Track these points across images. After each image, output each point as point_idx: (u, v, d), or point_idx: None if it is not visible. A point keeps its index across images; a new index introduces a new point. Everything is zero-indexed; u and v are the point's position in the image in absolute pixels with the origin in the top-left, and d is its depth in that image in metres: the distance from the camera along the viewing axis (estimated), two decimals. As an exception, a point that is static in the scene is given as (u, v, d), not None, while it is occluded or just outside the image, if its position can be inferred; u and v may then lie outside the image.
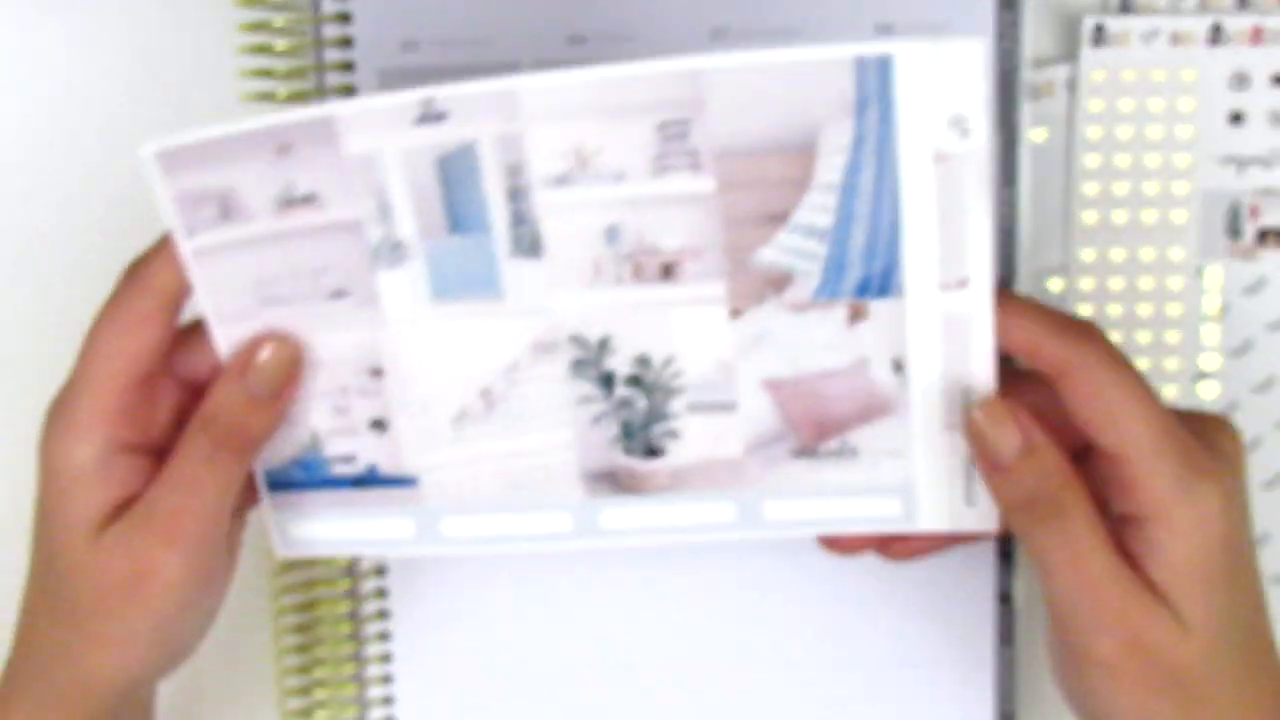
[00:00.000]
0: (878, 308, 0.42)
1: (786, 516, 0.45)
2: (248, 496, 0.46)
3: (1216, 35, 0.52)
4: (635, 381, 0.44)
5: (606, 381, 0.44)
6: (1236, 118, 0.52)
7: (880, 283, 0.42)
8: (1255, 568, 0.41)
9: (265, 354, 0.43)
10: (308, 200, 0.42)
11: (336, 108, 0.41)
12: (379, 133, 0.41)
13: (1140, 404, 0.40)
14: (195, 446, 0.43)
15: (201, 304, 0.43)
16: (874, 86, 0.40)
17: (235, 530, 0.47)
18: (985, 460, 0.41)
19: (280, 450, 0.45)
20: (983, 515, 0.44)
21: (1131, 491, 0.40)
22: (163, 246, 0.43)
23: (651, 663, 0.55)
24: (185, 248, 0.42)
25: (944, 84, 0.39)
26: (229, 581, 0.46)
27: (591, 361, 0.44)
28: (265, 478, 0.45)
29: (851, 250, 0.42)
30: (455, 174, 0.42)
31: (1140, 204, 0.53)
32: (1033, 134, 0.52)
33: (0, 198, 0.55)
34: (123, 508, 0.43)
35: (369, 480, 0.46)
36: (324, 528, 0.46)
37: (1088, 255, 0.53)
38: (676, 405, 0.44)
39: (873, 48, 0.39)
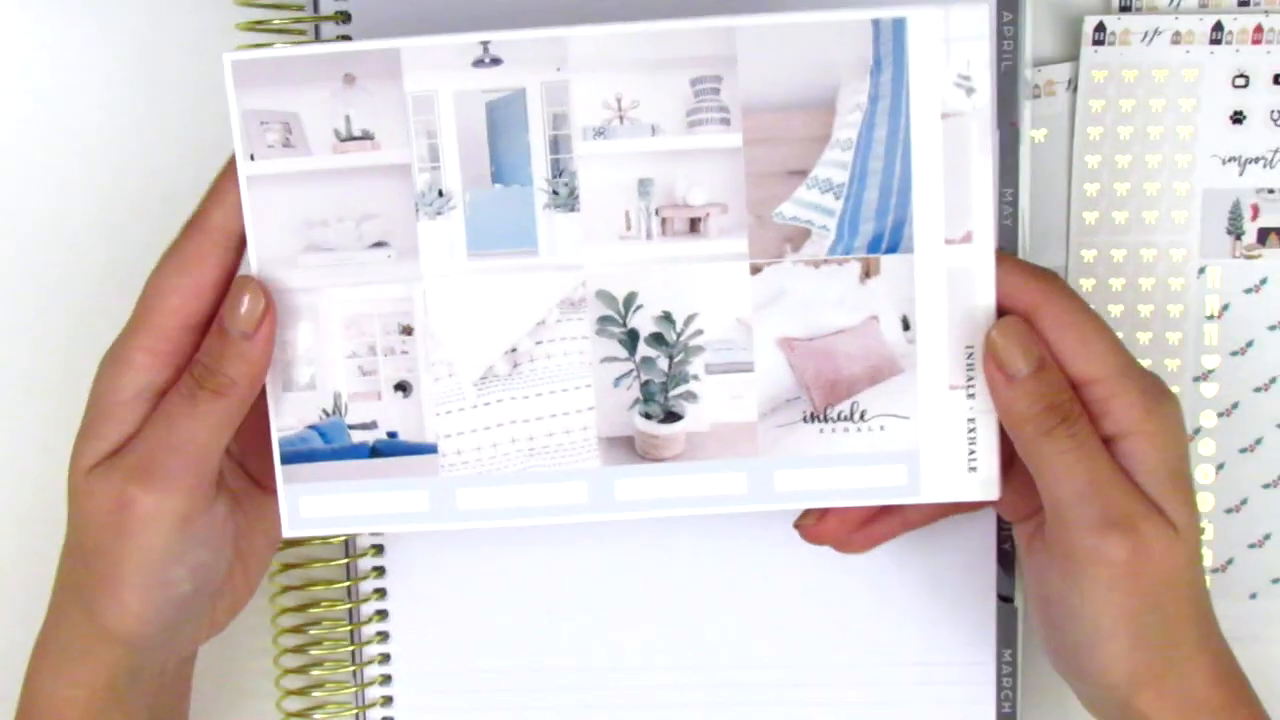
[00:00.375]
0: (888, 263, 0.45)
1: (797, 487, 0.46)
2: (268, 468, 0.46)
3: (1218, 35, 0.52)
4: (658, 340, 0.46)
5: (631, 340, 0.46)
6: (1238, 117, 0.52)
7: (891, 238, 0.44)
8: None
9: (244, 301, 0.44)
10: (365, 137, 0.44)
11: (404, 41, 0.44)
12: (438, 72, 0.44)
13: (1106, 335, 0.44)
14: (180, 385, 0.44)
15: (247, 240, 0.45)
16: (889, 48, 0.43)
17: (256, 505, 0.48)
18: (1001, 375, 0.44)
19: (301, 414, 0.46)
20: (984, 484, 0.46)
21: (1108, 411, 0.44)
22: (217, 189, 0.45)
23: (651, 663, 0.55)
24: (242, 172, 0.44)
25: (951, 45, 0.43)
26: (227, 539, 0.46)
27: (617, 318, 0.46)
28: (281, 448, 0.46)
29: (865, 206, 0.44)
30: (503, 120, 0.44)
31: (1141, 204, 0.53)
32: (1033, 134, 0.52)
33: (-1, 197, 0.55)
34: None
35: (388, 448, 0.47)
36: (336, 502, 0.47)
37: (1088, 255, 0.53)
38: (696, 366, 0.46)
39: (888, 11, 0.43)
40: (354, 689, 0.55)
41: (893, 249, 0.44)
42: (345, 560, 0.54)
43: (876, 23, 0.43)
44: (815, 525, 0.48)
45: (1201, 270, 0.53)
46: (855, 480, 0.46)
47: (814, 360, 0.46)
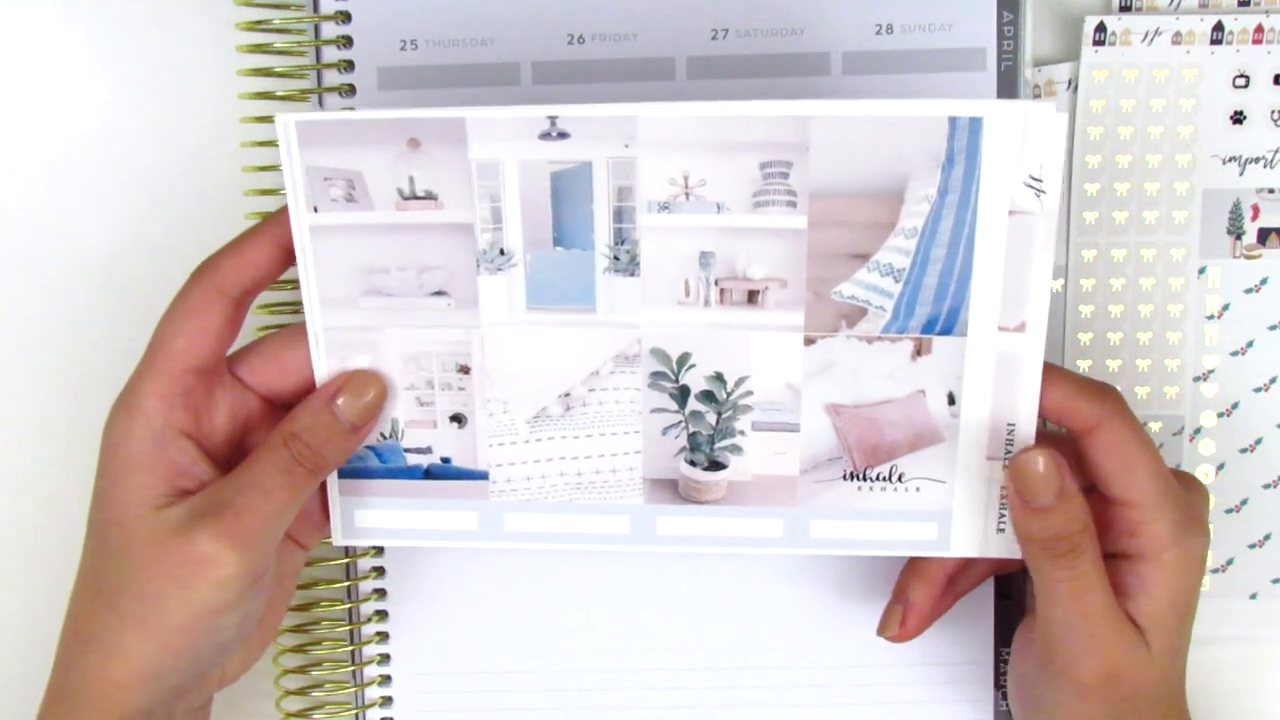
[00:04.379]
0: (940, 344, 0.45)
1: (831, 535, 0.48)
2: (311, 525, 0.49)
3: (1218, 35, 0.52)
4: (708, 397, 0.47)
5: (681, 395, 0.47)
6: (1238, 117, 0.52)
7: (946, 322, 0.45)
8: None
9: (369, 394, 0.46)
10: (428, 197, 0.44)
11: (471, 111, 0.43)
12: (504, 142, 0.44)
13: (1151, 459, 0.45)
14: (276, 455, 0.45)
15: (307, 284, 0.45)
16: (963, 144, 0.43)
17: (291, 560, 0.49)
18: (1023, 500, 0.44)
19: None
20: (1009, 542, 0.47)
21: (1136, 534, 0.45)
22: (231, 247, 0.46)
23: (649, 662, 0.55)
24: (305, 222, 0.45)
25: (1026, 146, 0.42)
26: (262, 606, 0.47)
27: (670, 375, 0.46)
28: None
29: (924, 291, 0.45)
30: (567, 190, 0.44)
31: (1141, 204, 0.53)
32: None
33: (-3, 197, 0.55)
34: (180, 496, 0.45)
35: (441, 472, 0.48)
36: (388, 517, 0.48)
37: (1088, 255, 0.53)
38: (743, 422, 0.47)
39: (965, 107, 0.42)
40: (353, 689, 0.55)
41: (946, 331, 0.45)
42: (345, 560, 0.54)
43: (954, 120, 0.42)
44: (899, 634, 0.50)
45: (1201, 270, 0.53)
46: (887, 533, 0.48)
47: (858, 426, 0.46)
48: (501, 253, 0.45)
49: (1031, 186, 0.43)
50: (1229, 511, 0.54)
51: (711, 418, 0.47)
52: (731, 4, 0.51)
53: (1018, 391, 0.45)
